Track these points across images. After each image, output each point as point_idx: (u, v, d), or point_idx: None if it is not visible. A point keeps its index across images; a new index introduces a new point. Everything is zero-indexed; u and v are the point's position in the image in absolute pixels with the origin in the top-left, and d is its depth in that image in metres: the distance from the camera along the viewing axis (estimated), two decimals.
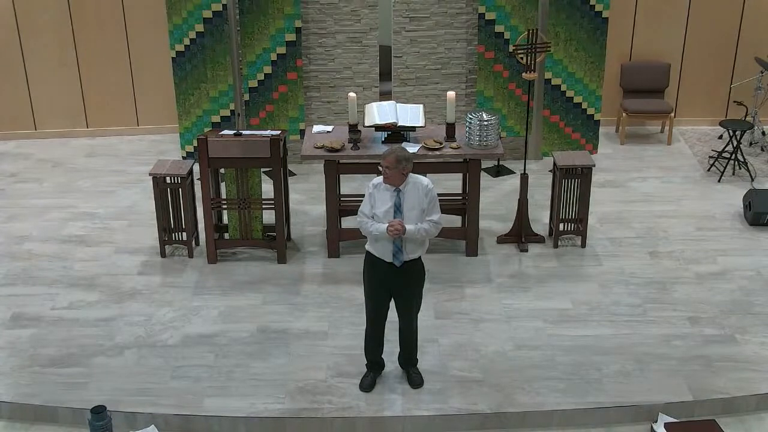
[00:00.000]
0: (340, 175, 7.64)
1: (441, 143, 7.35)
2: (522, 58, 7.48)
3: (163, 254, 7.65)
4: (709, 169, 9.22)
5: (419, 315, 5.91)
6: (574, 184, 7.60)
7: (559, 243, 7.79)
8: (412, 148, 7.21)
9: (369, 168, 7.36)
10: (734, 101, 9.68)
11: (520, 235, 7.76)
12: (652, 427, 5.70)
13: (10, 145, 10.11)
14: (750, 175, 9.06)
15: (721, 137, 9.97)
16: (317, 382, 6.04)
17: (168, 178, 7.50)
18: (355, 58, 9.15)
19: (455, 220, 7.78)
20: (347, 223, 7.68)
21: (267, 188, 7.64)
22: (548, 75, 9.21)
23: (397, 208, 5.54)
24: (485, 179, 8.77)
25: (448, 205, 7.45)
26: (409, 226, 5.49)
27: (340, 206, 7.58)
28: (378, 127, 7.42)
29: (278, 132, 7.39)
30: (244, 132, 7.36)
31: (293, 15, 8.84)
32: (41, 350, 6.39)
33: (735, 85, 10.01)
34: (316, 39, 9.07)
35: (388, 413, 5.77)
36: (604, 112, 9.84)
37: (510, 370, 6.15)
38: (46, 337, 6.54)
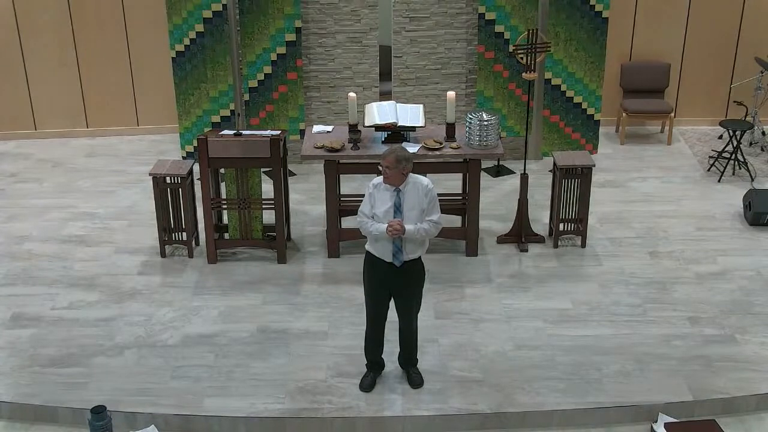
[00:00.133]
0: (340, 175, 7.63)
1: (441, 143, 7.35)
2: (522, 58, 7.48)
3: (163, 254, 7.65)
4: (709, 169, 9.22)
5: (419, 315, 5.91)
6: (574, 184, 7.60)
7: (559, 243, 7.79)
8: (412, 148, 7.21)
9: (369, 168, 7.37)
10: (734, 101, 9.68)
11: (520, 235, 7.76)
12: (652, 427, 5.70)
13: (10, 145, 10.11)
14: (750, 175, 9.06)
15: (721, 137, 9.97)
16: (317, 382, 6.04)
17: (168, 178, 7.50)
18: (355, 58, 9.15)
19: (455, 220, 7.78)
20: (347, 223, 7.68)
21: (267, 188, 7.64)
22: (548, 75, 9.21)
23: (397, 208, 5.54)
24: (485, 179, 8.77)
25: (448, 205, 7.45)
26: (408, 226, 5.49)
27: (340, 206, 7.58)
28: (378, 127, 7.42)
29: (278, 132, 7.39)
30: (244, 132, 7.36)
31: (293, 15, 8.84)
32: (41, 350, 6.39)
33: (735, 85, 10.01)
34: (316, 39, 9.07)
35: (388, 413, 5.77)
36: (604, 112, 9.84)
37: (510, 370, 6.15)
38: (46, 337, 6.54)
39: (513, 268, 7.45)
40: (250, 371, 6.15)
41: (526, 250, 7.70)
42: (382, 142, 7.41)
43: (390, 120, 7.36)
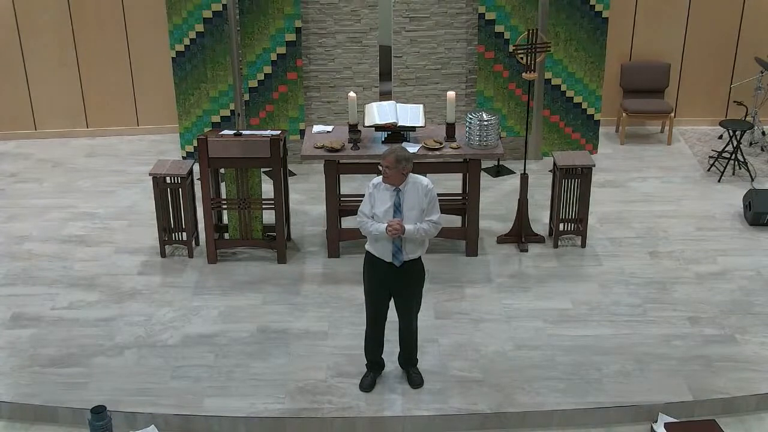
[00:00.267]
0: (340, 175, 7.63)
1: (441, 143, 7.35)
2: (522, 58, 7.48)
3: (163, 254, 7.65)
4: (709, 169, 9.22)
5: (419, 315, 5.91)
6: (574, 184, 7.60)
7: (559, 243, 7.79)
8: (412, 148, 7.21)
9: (369, 168, 7.36)
10: (734, 101, 9.68)
11: (520, 235, 7.76)
12: (652, 427, 5.70)
13: (10, 145, 10.11)
14: (750, 175, 9.06)
15: (721, 137, 9.97)
16: (317, 382, 6.04)
17: (168, 178, 7.50)
18: (355, 58, 9.15)
19: (455, 220, 7.78)
20: (347, 223, 7.68)
21: (267, 188, 7.64)
22: (548, 75, 9.21)
23: (397, 208, 5.54)
24: (485, 179, 8.77)
25: (448, 205, 7.45)
26: (408, 226, 5.49)
27: (340, 206, 7.58)
28: (378, 127, 7.42)
29: (278, 132, 7.39)
30: (244, 132, 7.36)
31: (293, 15, 8.84)
32: (41, 350, 6.39)
33: (735, 85, 10.01)
34: (316, 39, 9.07)
35: (388, 413, 5.77)
36: (604, 112, 9.84)
37: (510, 370, 6.15)
38: (46, 337, 6.54)
39: (513, 268, 7.45)
40: (250, 371, 6.15)
41: (526, 250, 7.70)
42: (382, 142, 7.41)
43: (390, 120, 7.36)
